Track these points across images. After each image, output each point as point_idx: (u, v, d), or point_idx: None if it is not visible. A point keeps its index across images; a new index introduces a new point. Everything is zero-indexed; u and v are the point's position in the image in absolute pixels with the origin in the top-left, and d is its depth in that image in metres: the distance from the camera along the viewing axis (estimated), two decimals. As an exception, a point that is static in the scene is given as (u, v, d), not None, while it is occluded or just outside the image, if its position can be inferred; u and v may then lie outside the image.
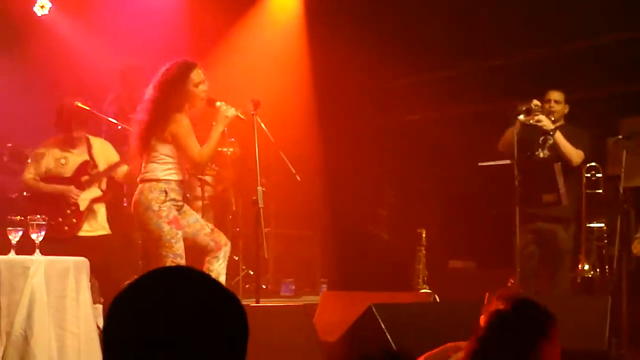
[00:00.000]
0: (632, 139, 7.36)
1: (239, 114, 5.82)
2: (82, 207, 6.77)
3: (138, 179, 5.74)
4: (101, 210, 6.90)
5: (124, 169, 6.81)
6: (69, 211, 6.70)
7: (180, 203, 5.72)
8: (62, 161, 6.83)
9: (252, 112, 6.89)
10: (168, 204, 5.57)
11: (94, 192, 6.82)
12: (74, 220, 6.71)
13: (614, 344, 6.02)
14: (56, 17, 8.96)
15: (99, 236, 6.82)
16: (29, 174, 6.84)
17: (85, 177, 6.78)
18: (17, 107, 8.31)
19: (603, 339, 5.67)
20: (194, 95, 5.63)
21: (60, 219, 6.63)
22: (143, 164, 5.70)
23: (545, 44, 8.77)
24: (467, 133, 8.92)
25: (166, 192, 5.57)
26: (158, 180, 5.58)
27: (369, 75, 9.95)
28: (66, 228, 6.63)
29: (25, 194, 6.98)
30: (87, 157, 6.84)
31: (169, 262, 5.48)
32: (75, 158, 6.85)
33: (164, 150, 5.62)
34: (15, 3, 8.64)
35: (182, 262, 5.54)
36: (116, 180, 6.94)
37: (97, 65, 8.56)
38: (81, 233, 6.74)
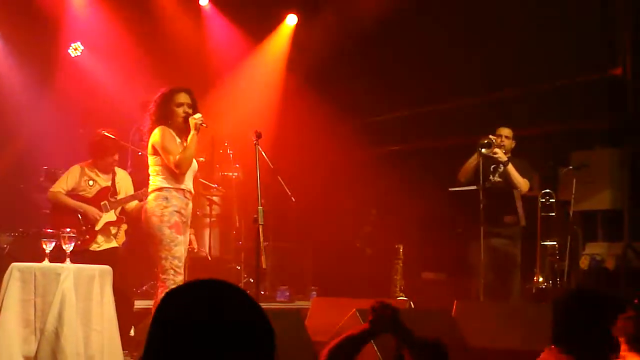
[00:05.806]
0: (581, 170, 7.43)
1: (202, 122, 5.57)
2: (97, 227, 6.56)
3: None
4: (111, 230, 6.67)
5: (133, 203, 6.58)
6: (84, 228, 6.48)
7: (183, 211, 5.45)
8: (90, 182, 6.68)
9: (255, 142, 6.93)
10: (170, 209, 5.36)
11: (110, 216, 6.60)
12: (87, 236, 6.49)
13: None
14: (88, 59, 9.03)
15: (104, 250, 6.57)
16: (56, 188, 6.67)
17: (104, 202, 6.59)
18: (52, 134, 8.34)
19: (554, 341, 5.70)
20: (174, 113, 5.55)
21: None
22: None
23: (509, 85, 8.83)
24: (439, 162, 8.95)
25: (167, 199, 5.38)
26: (160, 189, 5.40)
27: (356, 112, 10.01)
28: (79, 242, 6.18)
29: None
30: (109, 184, 6.68)
31: (167, 264, 5.27)
32: (100, 182, 6.68)
33: (156, 162, 5.48)
34: (53, 46, 8.71)
35: (180, 264, 5.32)
36: (126, 210, 6.67)
37: (122, 99, 8.57)
38: (90, 247, 6.51)
